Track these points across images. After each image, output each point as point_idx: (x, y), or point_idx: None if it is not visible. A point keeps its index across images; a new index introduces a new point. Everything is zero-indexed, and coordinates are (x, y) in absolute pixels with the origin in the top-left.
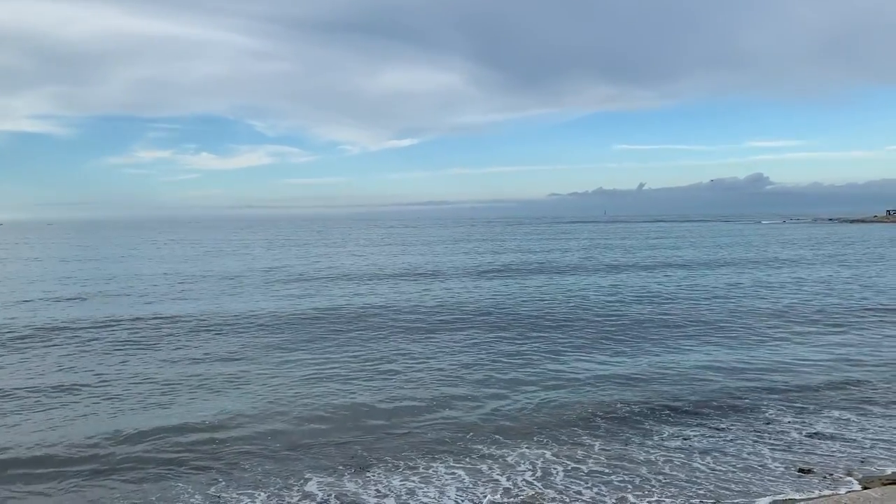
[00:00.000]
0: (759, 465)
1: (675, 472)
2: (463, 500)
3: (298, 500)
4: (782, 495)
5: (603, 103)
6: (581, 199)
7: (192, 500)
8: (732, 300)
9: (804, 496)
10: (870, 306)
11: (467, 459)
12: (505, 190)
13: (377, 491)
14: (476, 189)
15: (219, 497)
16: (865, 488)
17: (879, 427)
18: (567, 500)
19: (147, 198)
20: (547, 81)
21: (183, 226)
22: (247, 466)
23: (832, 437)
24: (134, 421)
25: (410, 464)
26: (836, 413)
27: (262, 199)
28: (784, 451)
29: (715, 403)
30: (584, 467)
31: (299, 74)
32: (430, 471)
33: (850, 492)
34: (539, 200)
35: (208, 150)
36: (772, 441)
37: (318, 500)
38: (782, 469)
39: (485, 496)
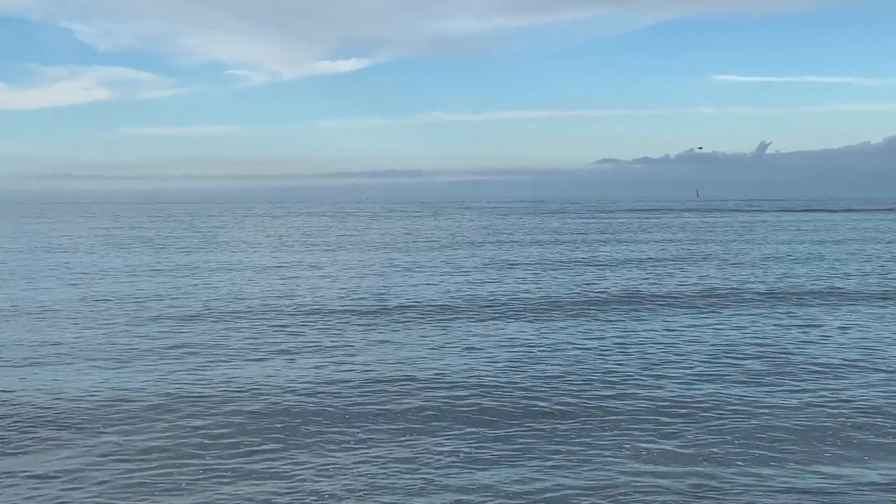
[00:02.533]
0: None
1: None
2: None
3: None
4: None
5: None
6: (654, 170)
7: None
8: None
9: None
10: None
11: None
12: (520, 152)
13: None
14: (469, 150)
15: None
16: None
17: None
18: None
19: None
20: None
21: None
22: None
23: None
24: None
25: None
26: None
27: (90, 163)
28: None
29: None
30: None
31: None
32: None
33: None
34: (580, 171)
35: None
36: None
37: None
38: None
39: None
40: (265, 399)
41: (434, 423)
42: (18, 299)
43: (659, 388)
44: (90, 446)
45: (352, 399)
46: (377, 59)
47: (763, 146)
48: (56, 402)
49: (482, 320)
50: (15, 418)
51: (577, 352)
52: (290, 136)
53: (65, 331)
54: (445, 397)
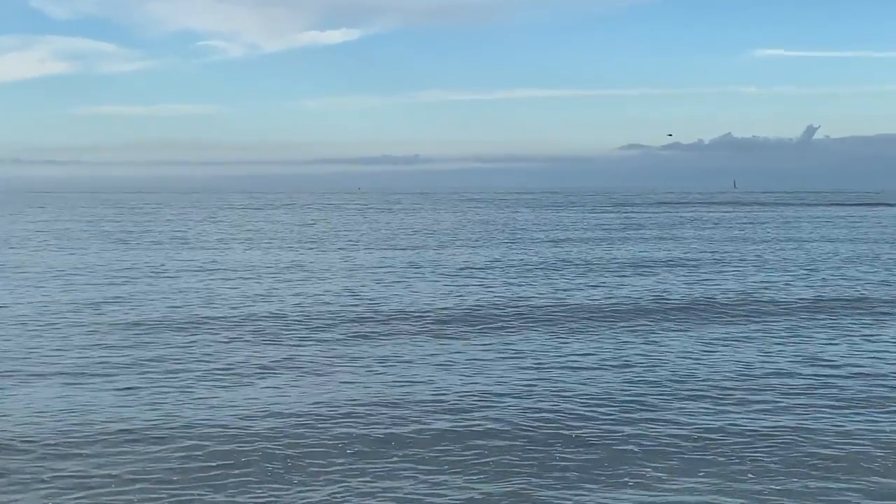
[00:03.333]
0: None
1: None
2: None
3: None
4: None
5: None
6: (686, 157)
7: None
8: None
9: None
10: None
11: None
12: (533, 136)
13: None
14: (475, 133)
15: None
16: None
17: None
18: None
19: None
20: None
21: None
22: None
23: None
24: None
25: None
26: None
27: (43, 146)
28: None
29: None
30: None
31: None
32: None
33: None
34: (602, 158)
35: None
36: None
37: None
38: None
39: None
40: (242, 424)
41: (438, 454)
42: None
43: (692, 413)
44: (42, 478)
45: (345, 425)
46: (370, 30)
47: (810, 130)
48: None
49: (488, 331)
50: None
51: (598, 369)
52: (271, 117)
53: (9, 342)
54: (448, 422)
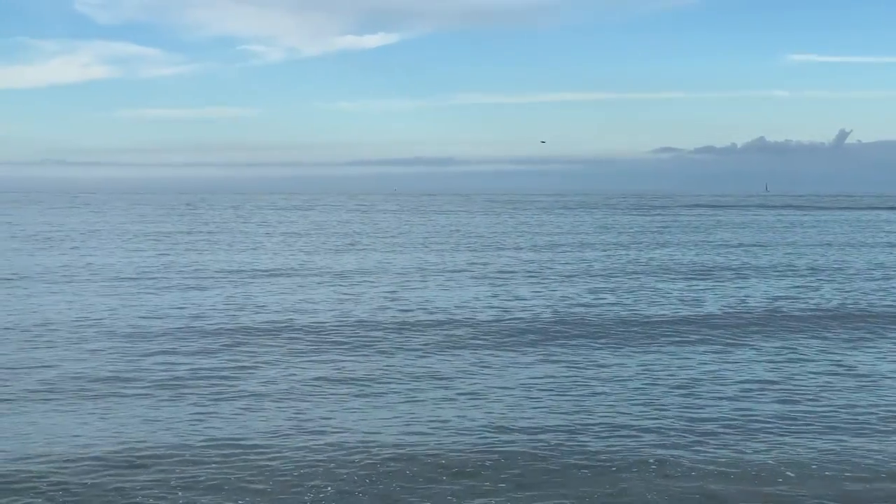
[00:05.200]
0: None
1: None
2: None
3: None
4: None
5: None
6: (719, 161)
7: None
8: None
9: None
10: None
11: None
12: (567, 139)
13: None
14: (509, 136)
15: None
16: None
17: None
18: None
19: None
20: None
21: None
22: None
23: None
24: None
25: None
26: None
27: (88, 149)
28: None
29: None
30: None
31: None
32: None
33: None
34: (635, 160)
35: None
36: None
37: None
38: None
39: None
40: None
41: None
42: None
43: (731, 442)
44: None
45: (400, 451)
46: (407, 34)
47: (843, 135)
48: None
49: (530, 344)
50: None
51: (647, 388)
52: (309, 120)
53: (47, 352)
54: (495, 448)
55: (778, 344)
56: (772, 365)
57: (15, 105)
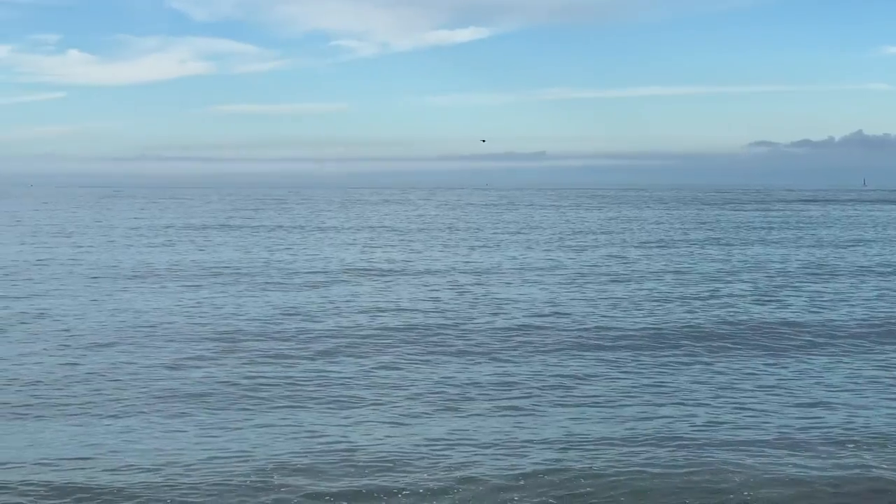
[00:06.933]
0: None
1: None
2: None
3: None
4: None
5: None
6: (815, 155)
7: None
8: None
9: None
10: None
11: None
12: (659, 133)
13: None
14: (601, 130)
15: None
16: None
17: None
18: None
19: None
20: None
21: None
22: None
23: None
24: None
25: None
26: None
27: (184, 144)
28: None
29: None
30: None
31: None
32: None
33: None
34: (729, 155)
35: (81, 46)
36: None
37: None
38: None
39: None
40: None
41: None
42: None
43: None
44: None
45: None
46: (498, 29)
47: None
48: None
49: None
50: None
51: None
52: (399, 114)
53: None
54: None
55: None
56: None
57: (114, 101)
